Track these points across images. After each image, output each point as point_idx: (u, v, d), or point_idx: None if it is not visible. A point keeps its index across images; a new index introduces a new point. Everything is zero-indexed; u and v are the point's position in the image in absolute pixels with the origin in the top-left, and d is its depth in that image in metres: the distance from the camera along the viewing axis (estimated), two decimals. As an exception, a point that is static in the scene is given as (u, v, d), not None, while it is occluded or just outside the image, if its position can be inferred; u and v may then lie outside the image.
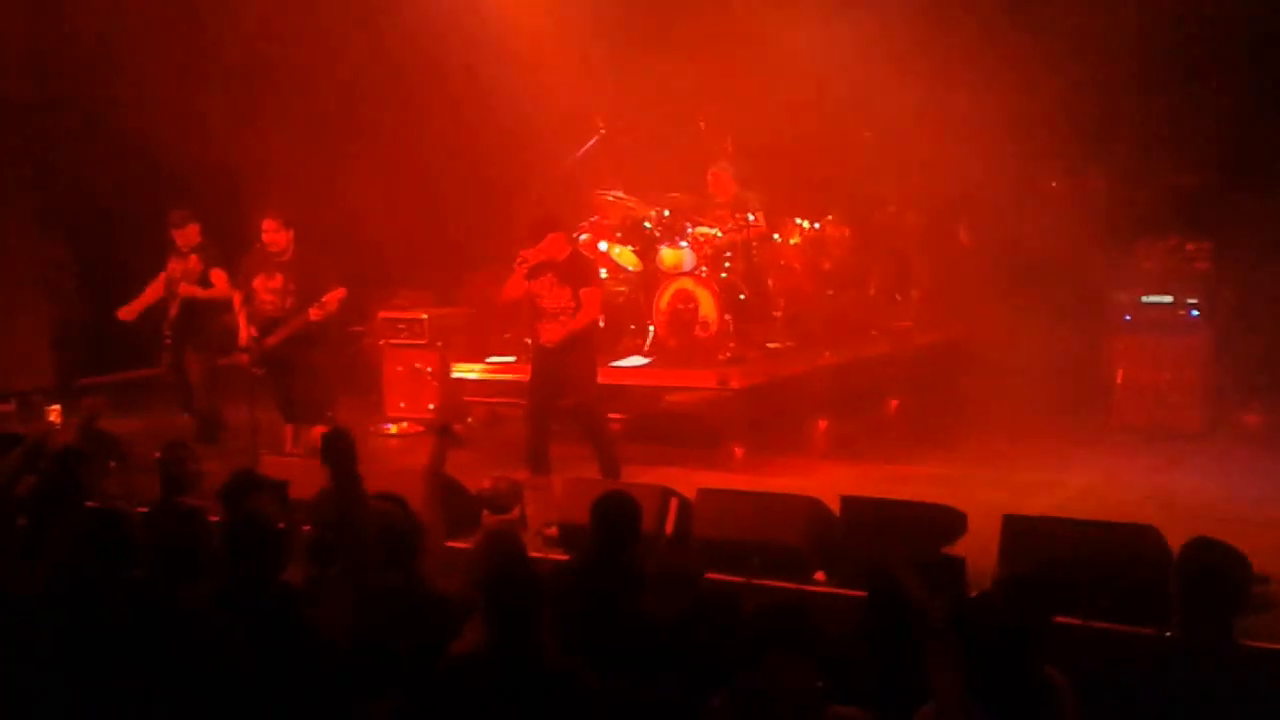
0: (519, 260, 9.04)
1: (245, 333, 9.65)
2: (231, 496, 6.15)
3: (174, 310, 10.17)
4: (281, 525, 5.45)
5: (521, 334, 10.33)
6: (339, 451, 5.45)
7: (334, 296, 9.48)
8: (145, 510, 6.73)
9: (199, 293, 10.11)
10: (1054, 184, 11.83)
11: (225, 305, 10.08)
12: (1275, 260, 10.22)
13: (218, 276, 10.12)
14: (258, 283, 9.67)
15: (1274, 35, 10.46)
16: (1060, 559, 6.05)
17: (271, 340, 9.55)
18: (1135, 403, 9.89)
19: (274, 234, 9.59)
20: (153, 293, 10.29)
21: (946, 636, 4.00)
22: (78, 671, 4.58)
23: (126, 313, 10.25)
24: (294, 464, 8.57)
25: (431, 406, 11.17)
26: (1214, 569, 4.46)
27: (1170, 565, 5.72)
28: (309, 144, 12.00)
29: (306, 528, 6.05)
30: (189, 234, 10.18)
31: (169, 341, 10.21)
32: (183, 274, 10.13)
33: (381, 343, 11.69)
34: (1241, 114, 10.39)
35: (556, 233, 9.03)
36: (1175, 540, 5.83)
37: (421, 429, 10.84)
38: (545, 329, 8.98)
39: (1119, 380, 9.92)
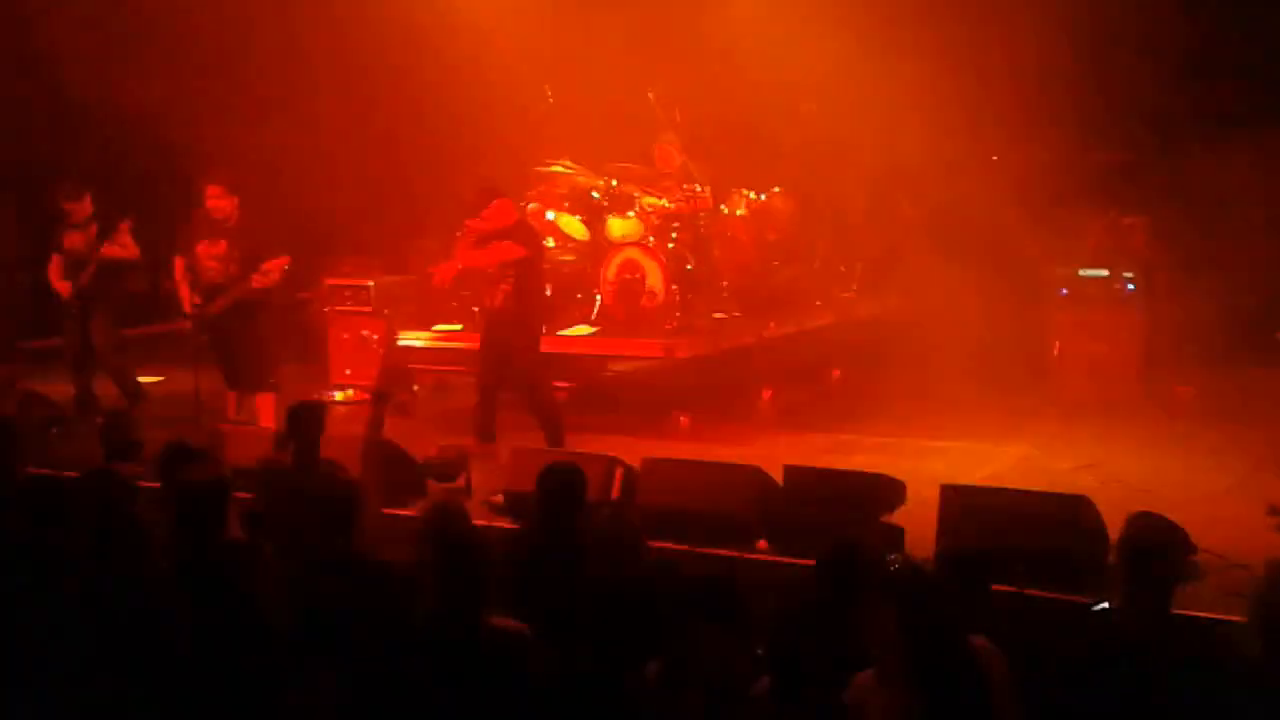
0: (463, 230, 9.04)
1: (188, 299, 9.58)
2: (168, 465, 6.15)
3: (84, 279, 10.07)
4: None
5: (468, 302, 10.34)
6: (305, 423, 5.43)
7: (277, 264, 9.41)
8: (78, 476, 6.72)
9: (119, 252, 10.02)
10: (995, 158, 11.96)
11: (134, 270, 10.06)
12: (1210, 235, 10.41)
13: (125, 235, 10.05)
14: (201, 249, 9.57)
15: (1208, 13, 10.63)
16: (996, 528, 6.18)
17: (215, 307, 9.48)
18: (1071, 374, 10.06)
19: (218, 200, 9.50)
20: (57, 269, 10.21)
21: (888, 604, 4.10)
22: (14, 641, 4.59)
23: (63, 288, 10.17)
24: (237, 431, 8.57)
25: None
26: (1155, 543, 4.60)
27: (1103, 535, 5.92)
28: (256, 111, 11.92)
29: (245, 495, 6.05)
30: (83, 205, 10.09)
31: (76, 310, 10.12)
32: (86, 244, 10.04)
33: (327, 309, 11.64)
34: (1178, 90, 10.55)
35: (501, 200, 9.04)
36: (1108, 510, 6.01)
37: (366, 396, 10.83)
38: (488, 293, 9.01)
39: (1056, 352, 10.08)
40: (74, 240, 10.10)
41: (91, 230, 10.07)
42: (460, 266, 9.19)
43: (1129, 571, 4.57)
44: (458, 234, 9.24)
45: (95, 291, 10.10)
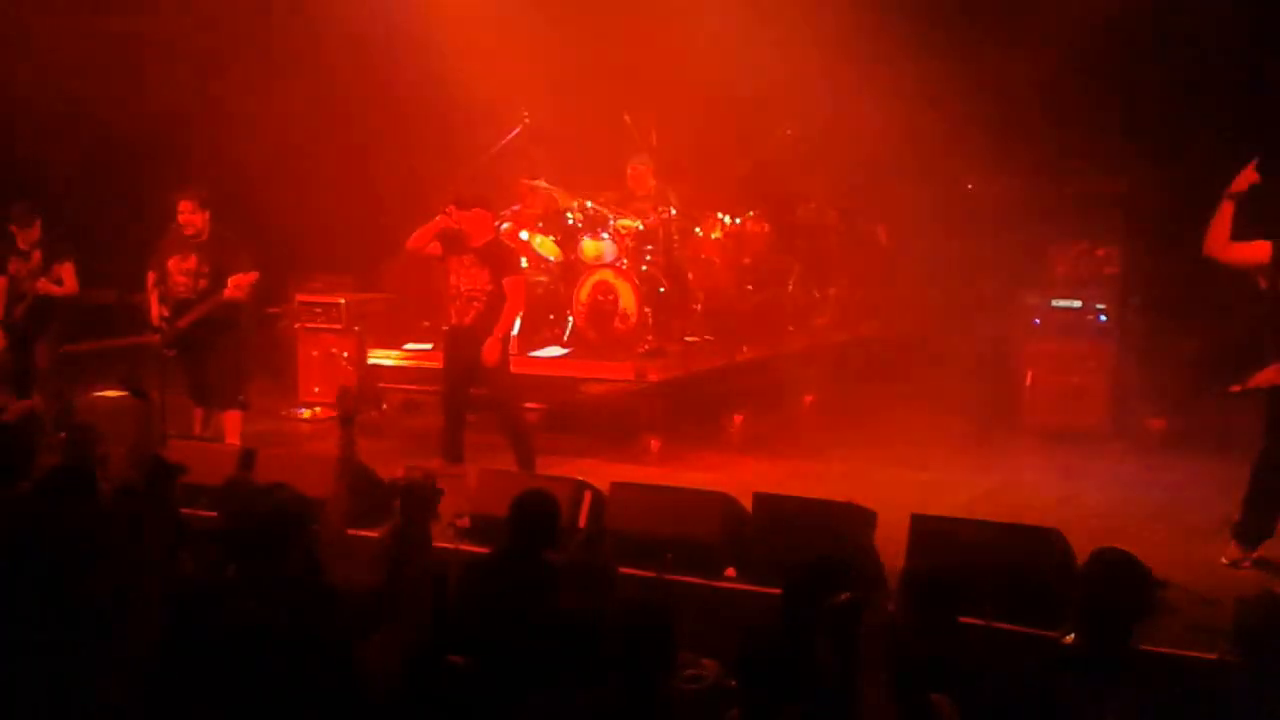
0: (444, 211, 8.91)
1: (156, 313, 9.49)
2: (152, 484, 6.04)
3: (17, 313, 9.93)
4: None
5: (440, 322, 10.26)
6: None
7: (246, 279, 9.31)
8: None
9: (55, 290, 9.89)
10: (970, 186, 11.99)
11: (75, 299, 9.96)
12: (1182, 266, 10.42)
13: (67, 272, 9.92)
14: (172, 264, 9.49)
15: (1186, 39, 10.66)
16: (966, 559, 6.14)
17: (184, 322, 9.39)
18: (1044, 405, 10.05)
19: (189, 215, 9.42)
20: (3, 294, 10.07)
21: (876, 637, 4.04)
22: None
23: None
24: (202, 448, 8.47)
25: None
26: (1117, 580, 4.55)
27: (1072, 568, 5.89)
28: (229, 125, 11.84)
29: (212, 514, 5.97)
30: (30, 233, 9.94)
31: (11, 338, 9.95)
32: (28, 273, 9.91)
33: (297, 326, 11.55)
34: (1150, 121, 10.60)
35: (482, 212, 8.96)
36: (1079, 542, 5.99)
37: (333, 414, 10.73)
38: (458, 310, 8.93)
39: (1028, 382, 10.08)
40: (16, 266, 9.96)
41: (35, 258, 9.92)
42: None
43: (1088, 607, 4.53)
44: (441, 213, 9.04)
45: (29, 325, 9.95)
